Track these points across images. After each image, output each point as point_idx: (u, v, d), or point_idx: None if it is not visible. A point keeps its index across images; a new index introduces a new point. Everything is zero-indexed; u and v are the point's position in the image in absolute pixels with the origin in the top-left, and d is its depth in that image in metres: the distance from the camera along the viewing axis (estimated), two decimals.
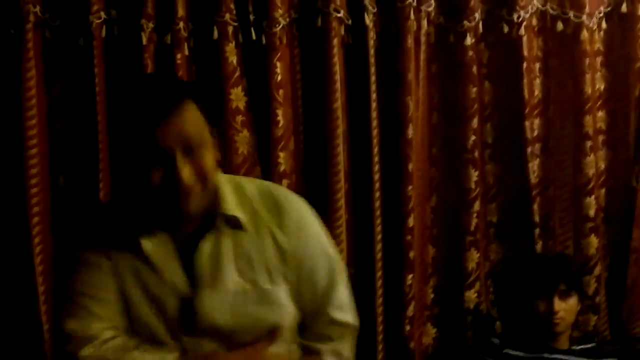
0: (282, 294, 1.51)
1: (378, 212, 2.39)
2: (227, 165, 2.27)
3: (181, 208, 1.38)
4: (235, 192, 1.51)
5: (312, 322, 1.57)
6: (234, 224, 1.48)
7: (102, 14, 2.19)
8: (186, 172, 1.34)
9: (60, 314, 1.51)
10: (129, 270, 1.46)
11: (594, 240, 2.57)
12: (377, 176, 2.39)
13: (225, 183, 1.50)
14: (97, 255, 1.47)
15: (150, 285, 1.46)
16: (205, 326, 1.46)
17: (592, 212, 2.56)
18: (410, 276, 2.42)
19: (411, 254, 2.41)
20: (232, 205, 1.48)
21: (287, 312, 1.51)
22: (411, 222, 2.40)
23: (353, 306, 1.63)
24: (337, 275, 1.58)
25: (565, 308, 2.22)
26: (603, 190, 2.62)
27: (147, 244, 1.45)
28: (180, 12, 2.22)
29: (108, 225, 1.51)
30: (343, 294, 1.60)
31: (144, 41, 2.19)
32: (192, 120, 1.36)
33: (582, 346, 2.31)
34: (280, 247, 1.50)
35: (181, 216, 1.42)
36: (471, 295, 2.52)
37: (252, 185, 1.56)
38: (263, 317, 1.48)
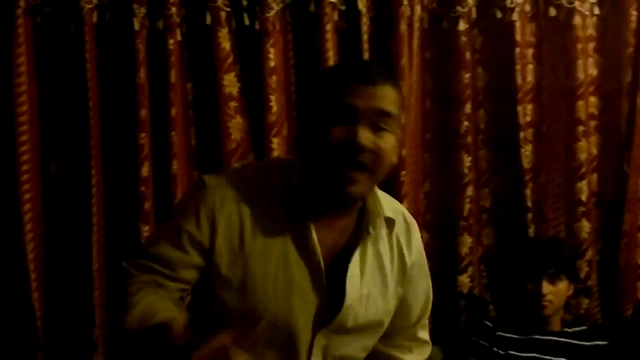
0: (393, 301, 1.53)
1: None
2: (220, 151, 2.27)
3: (346, 189, 1.35)
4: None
5: (398, 334, 1.62)
6: (388, 225, 1.49)
7: None
8: (366, 136, 1.32)
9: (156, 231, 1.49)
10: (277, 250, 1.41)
11: (585, 225, 2.58)
12: None
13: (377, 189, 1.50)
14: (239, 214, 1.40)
15: (296, 275, 1.41)
16: (337, 325, 1.44)
17: (584, 197, 2.57)
18: None
19: None
20: (386, 207, 1.49)
21: (389, 316, 1.55)
22: (405, 207, 2.39)
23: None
24: (430, 303, 1.65)
25: (554, 291, 2.24)
26: (595, 175, 2.62)
27: (314, 236, 1.41)
28: None
29: (278, 190, 1.44)
30: (427, 318, 1.68)
31: (136, 27, 2.19)
32: (389, 98, 1.36)
33: (574, 329, 2.33)
34: (404, 263, 1.53)
35: (345, 199, 1.38)
36: (464, 279, 2.52)
37: (387, 197, 1.55)
38: (378, 322, 1.51)
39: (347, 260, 1.43)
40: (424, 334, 1.68)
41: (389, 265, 1.50)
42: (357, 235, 1.46)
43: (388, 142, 1.35)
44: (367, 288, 1.46)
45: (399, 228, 1.53)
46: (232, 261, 1.39)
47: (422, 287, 1.61)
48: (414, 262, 1.56)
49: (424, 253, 1.62)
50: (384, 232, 1.49)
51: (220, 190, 1.41)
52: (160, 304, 1.33)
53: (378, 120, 1.34)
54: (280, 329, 1.40)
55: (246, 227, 1.39)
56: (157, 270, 1.39)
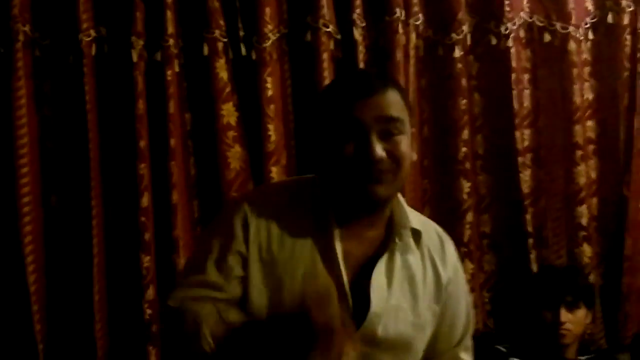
0: (427, 318, 1.51)
1: None
2: (220, 180, 2.28)
3: (370, 189, 1.36)
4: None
5: (439, 357, 1.58)
6: (415, 237, 1.49)
7: (92, 32, 2.22)
8: (378, 147, 1.34)
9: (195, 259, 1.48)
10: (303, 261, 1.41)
11: (587, 249, 2.57)
12: None
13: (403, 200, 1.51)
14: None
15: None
16: (365, 335, 1.42)
17: (584, 221, 2.57)
18: None
19: None
20: (412, 217, 1.49)
21: (424, 336, 1.52)
22: None
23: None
24: (471, 324, 1.62)
25: (573, 319, 2.23)
26: (595, 199, 2.62)
27: (339, 245, 1.41)
28: (170, 29, 2.24)
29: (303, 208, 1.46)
30: (470, 339, 1.63)
31: (135, 58, 2.21)
32: (394, 103, 1.39)
33: (586, 356, 2.31)
34: (439, 278, 1.52)
35: (371, 200, 1.39)
36: None
37: (412, 212, 1.55)
38: (409, 337, 1.48)
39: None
40: (467, 356, 1.63)
41: (421, 278, 1.49)
42: (385, 246, 1.46)
43: (402, 144, 1.38)
44: (397, 299, 1.45)
45: (430, 242, 1.53)
46: (264, 271, 1.40)
47: (462, 305, 1.58)
48: (451, 279, 1.54)
49: (461, 271, 1.61)
50: (411, 243, 1.48)
51: (248, 204, 1.44)
52: (231, 311, 1.36)
53: (387, 127, 1.36)
54: None
55: (274, 238, 1.41)
56: (208, 297, 1.39)
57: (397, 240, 1.46)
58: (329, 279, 1.39)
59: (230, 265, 1.40)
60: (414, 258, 1.49)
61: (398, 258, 1.46)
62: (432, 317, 1.52)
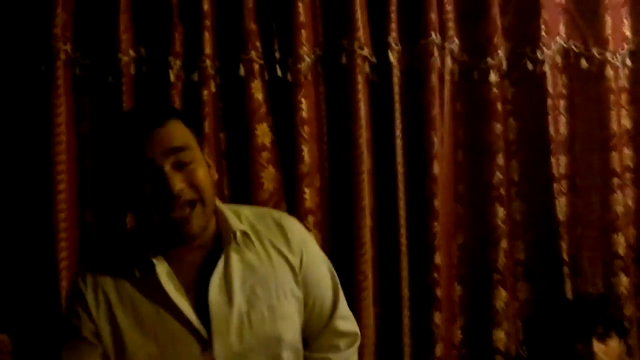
0: (289, 307, 1.51)
1: (404, 249, 2.37)
2: (253, 201, 2.28)
3: (183, 230, 1.39)
4: (235, 214, 1.53)
5: (319, 335, 1.59)
6: (241, 238, 1.50)
7: (131, 52, 2.25)
8: (176, 180, 1.36)
9: None
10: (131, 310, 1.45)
11: (623, 279, 2.52)
12: (402, 213, 2.38)
13: (224, 207, 1.53)
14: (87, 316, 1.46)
15: (169, 325, 1.44)
16: (223, 353, 1.44)
17: (621, 250, 2.52)
18: (438, 314, 2.38)
19: (438, 292, 2.38)
20: (235, 222, 1.50)
21: (292, 324, 1.52)
22: (437, 259, 2.38)
23: (352, 315, 1.67)
24: (339, 288, 1.63)
25: (605, 350, 2.17)
26: (631, 228, 2.58)
27: (163, 278, 1.44)
28: (207, 50, 2.26)
29: (117, 261, 1.50)
30: (344, 305, 1.64)
31: (172, 78, 2.24)
32: (179, 133, 1.40)
33: None
34: (289, 263, 1.53)
35: (187, 238, 1.42)
36: (500, 334, 2.47)
37: (246, 209, 1.59)
38: (270, 333, 1.48)
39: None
40: (347, 325, 1.63)
41: (269, 270, 1.50)
42: (215, 261, 1.46)
43: (197, 171, 1.40)
44: (246, 304, 1.45)
45: (269, 233, 1.53)
46: (114, 339, 1.44)
47: (324, 277, 1.59)
48: (302, 257, 1.54)
49: (309, 241, 1.61)
50: (244, 244, 1.49)
51: (80, 282, 1.47)
52: None
53: (177, 157, 1.37)
54: None
55: (113, 302, 1.45)
56: None
57: (226, 251, 1.47)
58: (173, 317, 1.42)
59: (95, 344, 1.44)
60: (253, 255, 1.50)
61: (234, 265, 1.47)
62: (297, 302, 1.52)
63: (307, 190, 2.32)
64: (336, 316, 1.60)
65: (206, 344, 1.43)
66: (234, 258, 1.48)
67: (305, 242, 1.58)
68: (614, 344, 2.21)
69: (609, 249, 2.54)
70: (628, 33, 2.59)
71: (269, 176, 2.31)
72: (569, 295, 2.48)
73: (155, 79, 2.26)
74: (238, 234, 1.48)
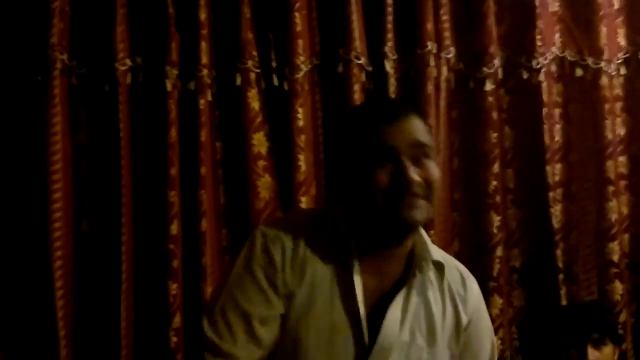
0: (444, 357, 1.46)
1: None
2: (248, 210, 2.28)
3: (407, 214, 1.33)
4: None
5: None
6: (437, 270, 1.46)
7: (128, 61, 2.25)
8: (413, 172, 1.33)
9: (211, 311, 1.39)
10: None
11: (618, 286, 2.53)
12: None
13: (424, 233, 1.48)
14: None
15: (338, 321, 1.38)
16: None
17: (616, 258, 2.53)
18: None
19: None
20: (434, 250, 1.46)
21: None
22: None
23: None
24: None
25: (600, 357, 2.18)
26: (626, 236, 2.59)
27: (358, 279, 1.38)
28: (204, 59, 2.26)
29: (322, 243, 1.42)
30: None
31: (169, 87, 2.24)
32: (421, 129, 1.38)
33: None
34: (458, 318, 1.48)
35: (405, 226, 1.37)
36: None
37: (438, 248, 1.53)
38: None
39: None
40: None
41: (440, 316, 1.45)
42: (404, 281, 1.42)
43: (433, 169, 1.36)
44: (410, 335, 1.41)
45: (451, 278, 1.48)
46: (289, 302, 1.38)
47: (485, 347, 1.53)
48: (472, 319, 1.49)
49: (484, 310, 1.55)
50: (432, 276, 1.45)
51: (271, 231, 1.40)
52: None
53: (417, 152, 1.35)
54: None
55: (296, 266, 1.38)
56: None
57: (417, 273, 1.42)
58: (346, 316, 1.37)
59: (272, 300, 1.36)
60: (433, 294, 1.45)
61: (416, 294, 1.42)
62: (448, 355, 1.47)
63: (303, 199, 2.32)
64: None
65: (363, 354, 1.37)
66: (418, 287, 1.43)
67: (480, 307, 1.53)
68: (609, 350, 2.22)
69: (604, 256, 2.55)
70: (623, 42, 2.61)
71: (265, 185, 2.31)
72: (564, 302, 2.49)
73: (152, 88, 2.26)
74: (429, 263, 1.44)
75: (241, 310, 1.35)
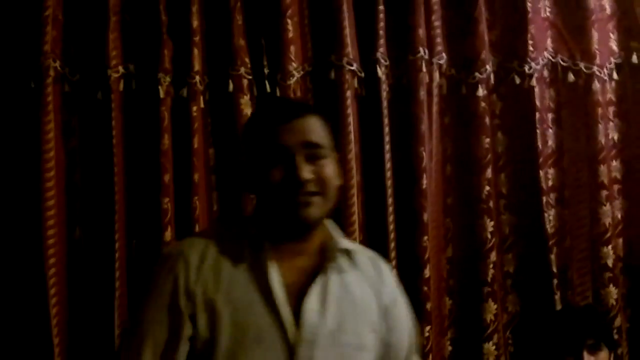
0: (370, 340, 1.50)
1: (394, 263, 2.37)
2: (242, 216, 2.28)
3: (300, 212, 1.40)
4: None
5: None
6: (344, 258, 1.50)
7: (121, 68, 2.26)
8: (305, 170, 1.39)
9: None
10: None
11: (613, 291, 2.54)
12: (392, 227, 2.39)
13: (332, 225, 1.54)
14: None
15: (261, 321, 1.40)
16: None
17: (610, 262, 2.54)
18: (427, 328, 2.38)
19: (428, 306, 2.38)
20: (341, 240, 1.52)
21: (369, 357, 1.50)
22: (427, 273, 2.38)
23: None
24: (415, 342, 1.62)
25: None
26: (620, 240, 2.60)
27: (275, 276, 1.41)
28: (196, 66, 2.28)
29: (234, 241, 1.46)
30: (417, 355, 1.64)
31: (161, 94, 2.25)
32: (316, 128, 1.44)
33: None
34: (381, 301, 1.53)
35: (302, 224, 1.43)
36: (490, 347, 2.47)
37: (346, 239, 1.58)
38: (350, 359, 1.46)
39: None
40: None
41: (360, 297, 1.49)
42: (318, 273, 1.46)
43: (327, 167, 1.43)
44: (337, 323, 1.44)
45: (363, 263, 1.53)
46: (206, 308, 1.40)
47: (405, 327, 1.58)
48: (392, 302, 1.55)
49: (397, 283, 1.61)
50: (345, 264, 1.50)
51: (184, 249, 1.44)
52: None
53: (311, 152, 1.41)
54: None
55: (213, 275, 1.41)
56: None
57: (330, 263, 1.46)
58: (269, 314, 1.39)
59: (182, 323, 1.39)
60: (351, 277, 1.50)
61: (334, 281, 1.46)
62: (375, 341, 1.50)
63: None
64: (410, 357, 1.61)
65: (291, 352, 1.40)
66: (335, 275, 1.47)
67: (397, 289, 1.60)
68: (604, 355, 2.21)
69: (598, 260, 2.56)
70: (615, 47, 2.62)
71: None
72: (558, 307, 2.49)
73: (145, 95, 2.26)
74: (340, 252, 1.49)
75: (150, 340, 1.39)
